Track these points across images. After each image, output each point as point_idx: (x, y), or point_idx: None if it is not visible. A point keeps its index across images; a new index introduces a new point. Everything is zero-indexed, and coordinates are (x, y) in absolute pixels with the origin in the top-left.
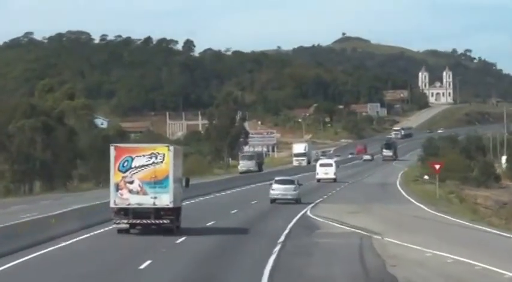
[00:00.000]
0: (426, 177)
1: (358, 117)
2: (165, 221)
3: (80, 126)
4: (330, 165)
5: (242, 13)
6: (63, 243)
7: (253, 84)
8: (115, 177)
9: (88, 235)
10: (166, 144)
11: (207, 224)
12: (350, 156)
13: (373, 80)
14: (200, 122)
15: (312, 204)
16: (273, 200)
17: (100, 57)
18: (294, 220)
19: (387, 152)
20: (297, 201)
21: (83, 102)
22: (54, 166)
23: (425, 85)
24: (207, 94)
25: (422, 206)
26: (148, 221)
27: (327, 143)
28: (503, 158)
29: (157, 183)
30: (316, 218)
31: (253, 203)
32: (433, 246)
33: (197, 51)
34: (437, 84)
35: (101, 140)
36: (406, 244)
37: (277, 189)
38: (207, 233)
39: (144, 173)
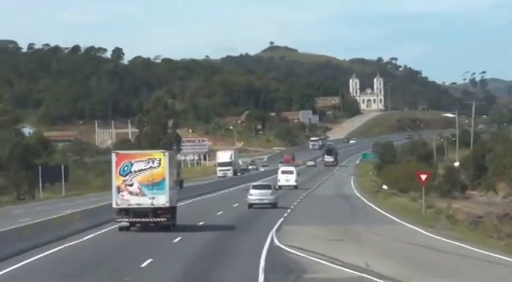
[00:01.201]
0: (385, 187)
1: (291, 124)
2: (162, 219)
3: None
4: (291, 172)
5: (170, 24)
6: None
7: (184, 92)
8: (116, 180)
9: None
10: (162, 151)
11: None
12: (280, 165)
13: (305, 87)
14: (130, 130)
15: (275, 227)
16: (251, 205)
17: (28, 66)
18: (263, 257)
19: (329, 158)
20: (274, 205)
21: (1, 107)
22: None
23: (356, 92)
24: (136, 102)
25: (415, 227)
26: (147, 220)
27: (259, 151)
28: (456, 164)
29: (155, 185)
30: (292, 250)
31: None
32: None
33: (126, 59)
34: (369, 90)
35: (22, 149)
36: None
37: (255, 195)
38: None
39: (142, 177)
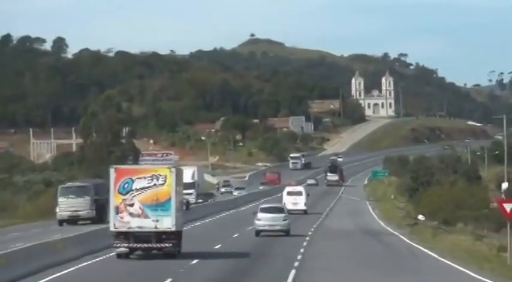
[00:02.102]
0: (421, 217)
1: (278, 134)
2: (167, 245)
3: None
4: (300, 193)
5: (126, 12)
6: None
7: (144, 93)
8: (115, 199)
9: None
10: (168, 166)
11: None
12: (261, 187)
13: (295, 87)
14: (74, 141)
15: None
16: (259, 232)
17: None
18: None
19: (332, 176)
20: (286, 232)
21: None
22: None
23: (360, 94)
24: (83, 106)
25: None
26: (150, 245)
27: (238, 168)
28: (504, 185)
29: (159, 205)
30: None
31: None
32: None
33: (70, 52)
34: (375, 93)
35: None
36: None
37: (264, 219)
38: None
39: (145, 196)
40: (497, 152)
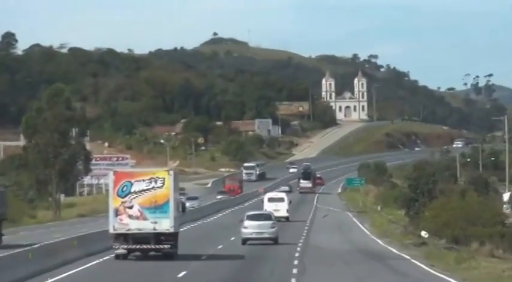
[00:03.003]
0: (424, 233)
1: (244, 137)
2: (165, 246)
3: None
4: (282, 200)
5: (81, 8)
6: None
7: (98, 93)
8: (114, 202)
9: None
10: (166, 169)
11: None
12: (219, 197)
13: (262, 87)
14: (22, 143)
15: None
16: (245, 241)
17: None
18: None
19: (305, 183)
20: (274, 240)
21: None
22: None
23: (330, 96)
24: (33, 104)
25: None
26: (149, 246)
27: (199, 173)
28: (506, 195)
29: (158, 208)
30: None
31: None
32: None
33: (21, 48)
34: (347, 95)
35: None
36: None
37: (251, 227)
38: None
39: (143, 198)
40: (493, 159)
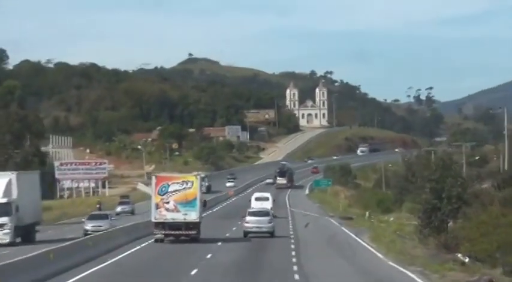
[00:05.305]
0: (463, 257)
1: (215, 142)
2: (192, 232)
3: None
4: (267, 199)
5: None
6: None
7: (81, 103)
8: (155, 198)
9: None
10: (194, 174)
11: None
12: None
13: (231, 97)
14: None
15: None
16: (247, 234)
17: None
18: None
19: (281, 180)
20: (271, 234)
21: None
22: None
23: (294, 104)
24: None
25: None
26: (180, 232)
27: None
28: None
29: (188, 203)
30: None
31: None
32: None
33: (12, 63)
34: (309, 103)
35: None
36: None
37: (251, 222)
38: None
39: (177, 196)
40: (477, 158)
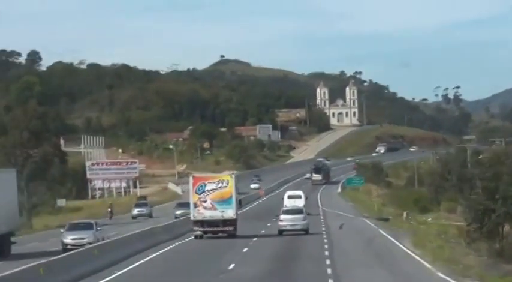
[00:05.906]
0: None
1: (246, 142)
2: (229, 229)
3: None
4: (299, 197)
5: (103, 30)
6: None
7: (113, 104)
8: (193, 198)
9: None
10: (230, 173)
11: None
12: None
13: (262, 96)
14: None
15: None
16: (281, 231)
17: None
18: None
19: (316, 176)
20: (306, 231)
21: None
22: None
23: (324, 103)
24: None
25: None
26: (218, 229)
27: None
28: None
29: (224, 201)
30: None
31: None
32: None
33: (45, 65)
34: (340, 102)
35: None
36: None
37: (286, 220)
38: None
39: (214, 194)
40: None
